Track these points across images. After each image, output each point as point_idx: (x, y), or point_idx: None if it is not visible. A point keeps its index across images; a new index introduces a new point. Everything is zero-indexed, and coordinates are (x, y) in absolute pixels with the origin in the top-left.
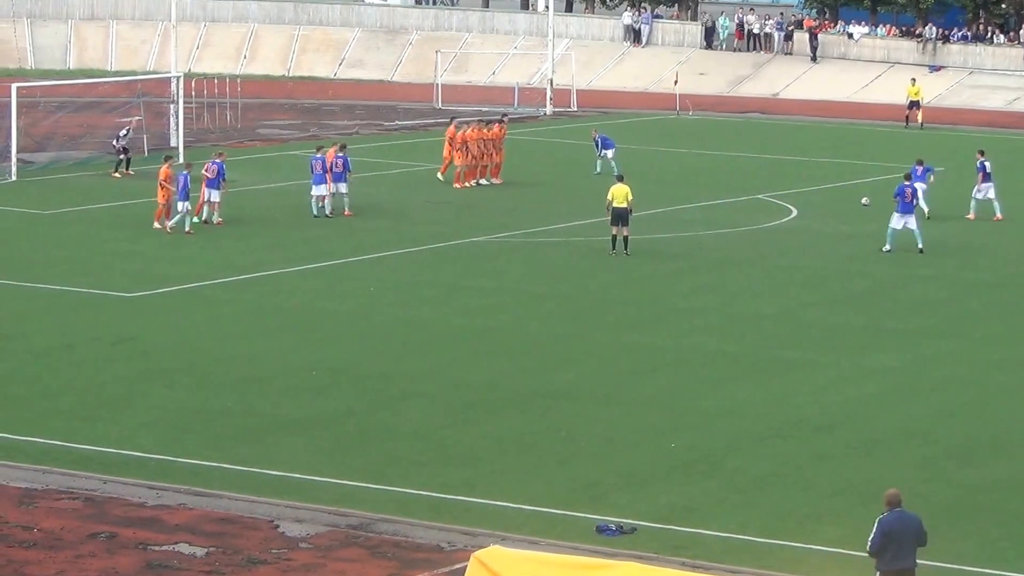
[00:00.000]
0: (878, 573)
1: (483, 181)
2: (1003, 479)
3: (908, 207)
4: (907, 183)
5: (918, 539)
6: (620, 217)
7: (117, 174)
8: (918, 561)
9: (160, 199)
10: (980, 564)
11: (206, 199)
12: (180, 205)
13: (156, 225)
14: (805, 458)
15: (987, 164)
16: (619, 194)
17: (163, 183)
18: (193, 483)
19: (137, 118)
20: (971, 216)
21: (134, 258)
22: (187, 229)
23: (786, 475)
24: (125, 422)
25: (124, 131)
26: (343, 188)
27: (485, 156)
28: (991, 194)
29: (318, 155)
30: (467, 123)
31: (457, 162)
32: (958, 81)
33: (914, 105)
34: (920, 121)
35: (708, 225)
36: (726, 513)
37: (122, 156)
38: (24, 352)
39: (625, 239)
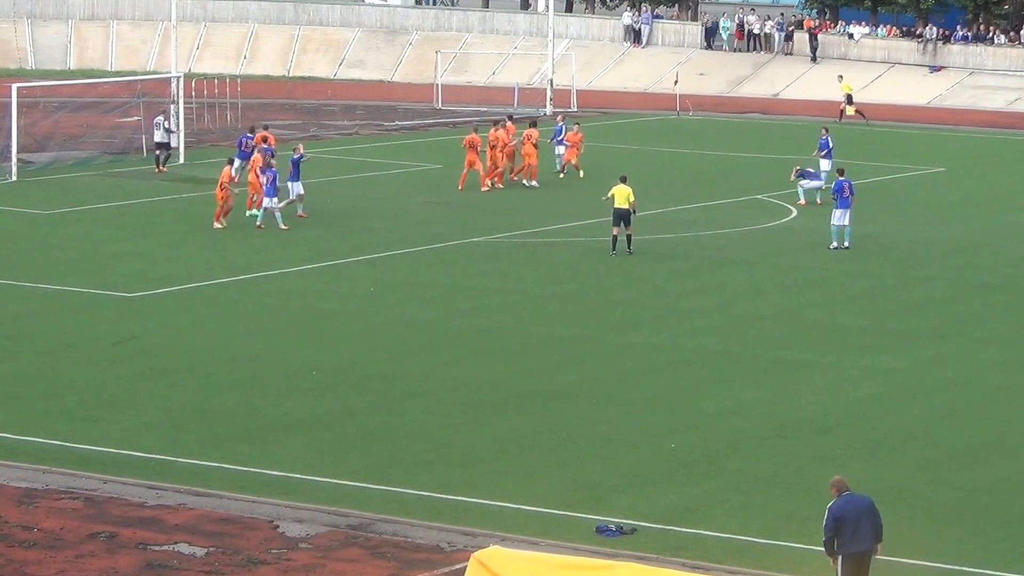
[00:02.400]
0: (840, 558)
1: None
2: (1005, 480)
3: (846, 202)
4: (843, 178)
5: (872, 520)
6: (621, 217)
7: (160, 169)
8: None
9: (219, 199)
10: (982, 565)
11: (294, 193)
12: (267, 200)
13: (216, 224)
14: (806, 459)
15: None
16: (620, 195)
17: (224, 183)
18: (193, 483)
19: (134, 117)
20: (802, 202)
21: (135, 258)
22: (258, 223)
23: (787, 476)
24: (126, 422)
25: (159, 123)
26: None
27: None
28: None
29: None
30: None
31: (499, 163)
32: (958, 82)
33: (848, 100)
34: (860, 113)
35: (709, 225)
36: (727, 514)
37: (158, 152)
38: (25, 352)
39: (628, 238)
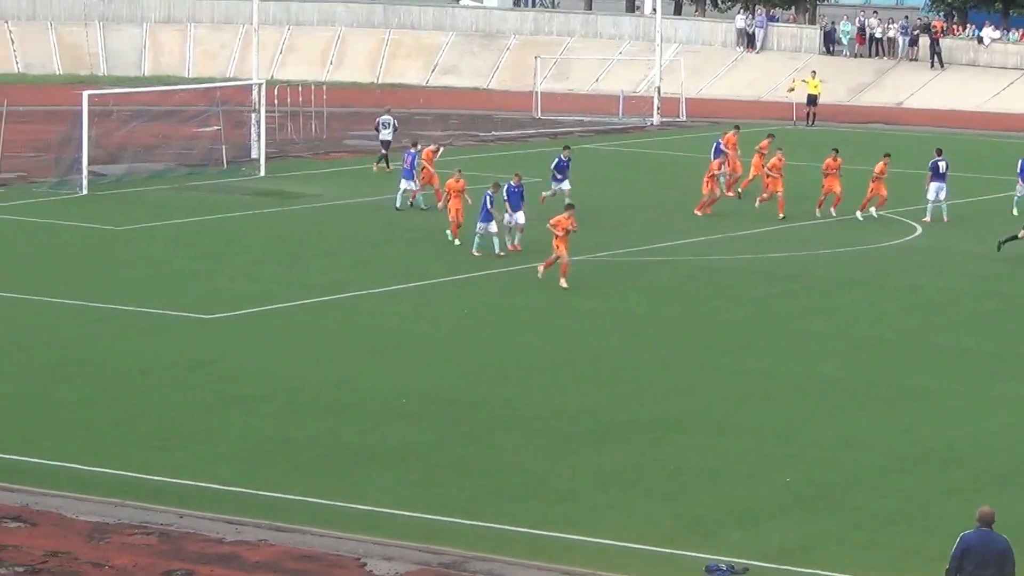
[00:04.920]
0: None
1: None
2: None
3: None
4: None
5: (1001, 564)
6: None
7: (376, 168)
8: None
9: (561, 247)
10: None
11: (511, 222)
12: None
13: (544, 268)
14: (932, 494)
15: (940, 164)
16: None
17: (558, 230)
18: (274, 518)
19: (213, 127)
20: (927, 219)
21: (211, 277)
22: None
23: (911, 512)
24: (203, 452)
25: (388, 121)
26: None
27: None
28: (942, 195)
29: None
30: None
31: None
32: None
33: (812, 101)
34: (812, 117)
35: (826, 243)
36: (846, 553)
37: (385, 152)
38: (96, 377)
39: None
